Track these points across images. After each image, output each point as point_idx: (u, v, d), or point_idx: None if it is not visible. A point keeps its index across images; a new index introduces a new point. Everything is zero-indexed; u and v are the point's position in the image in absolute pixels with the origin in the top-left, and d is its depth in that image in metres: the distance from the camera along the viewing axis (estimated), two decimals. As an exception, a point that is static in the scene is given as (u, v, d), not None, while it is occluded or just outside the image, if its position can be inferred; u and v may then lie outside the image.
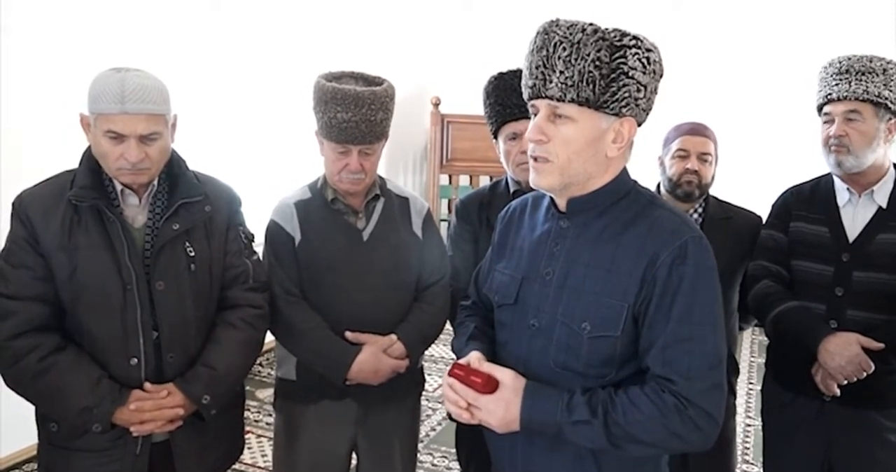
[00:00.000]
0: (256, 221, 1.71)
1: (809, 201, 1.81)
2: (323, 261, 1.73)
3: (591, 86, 1.08)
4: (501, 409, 1.13)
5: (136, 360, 1.45)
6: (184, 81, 1.61)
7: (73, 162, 1.52)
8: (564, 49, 1.09)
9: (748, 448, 3.22)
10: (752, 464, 3.08)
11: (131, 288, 1.43)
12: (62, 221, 1.41)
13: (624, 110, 1.11)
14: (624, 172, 1.20)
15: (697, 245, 1.12)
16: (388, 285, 1.76)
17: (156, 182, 1.50)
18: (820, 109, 1.77)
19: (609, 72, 1.08)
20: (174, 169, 1.53)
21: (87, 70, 1.47)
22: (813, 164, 2.02)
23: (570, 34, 1.09)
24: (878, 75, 1.65)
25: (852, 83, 1.67)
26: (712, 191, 2.00)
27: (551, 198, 1.25)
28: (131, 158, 1.38)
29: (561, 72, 1.09)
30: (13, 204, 1.45)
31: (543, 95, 1.12)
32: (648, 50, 1.11)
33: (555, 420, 1.10)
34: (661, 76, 1.15)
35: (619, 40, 1.09)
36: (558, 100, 1.10)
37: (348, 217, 1.77)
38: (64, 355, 1.40)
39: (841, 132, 1.68)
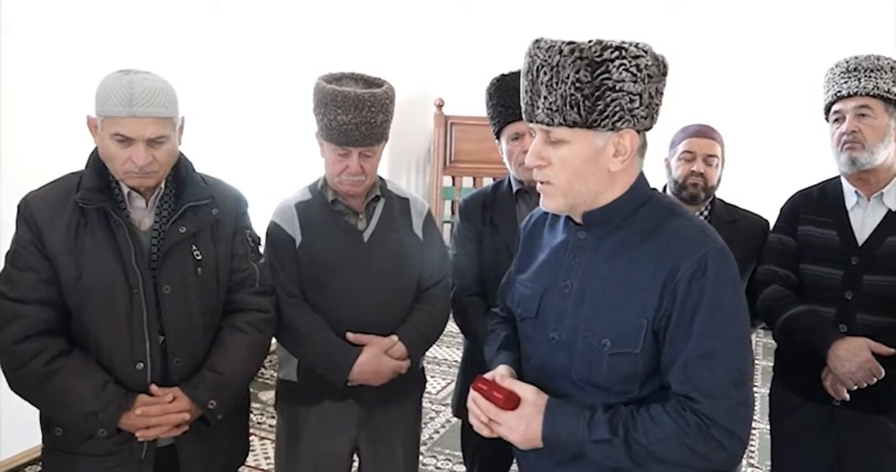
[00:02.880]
0: (257, 223, 1.70)
1: (818, 205, 1.80)
2: (324, 262, 1.73)
3: (575, 109, 1.06)
4: (523, 426, 1.12)
5: (141, 364, 1.44)
6: (184, 81, 1.61)
7: (73, 163, 1.51)
8: (545, 73, 1.07)
9: (753, 451, 3.21)
10: (756, 467, 3.07)
11: (138, 292, 1.42)
12: (68, 223, 1.40)
13: (619, 124, 1.07)
14: (639, 181, 1.17)
15: (718, 257, 1.08)
16: (388, 286, 1.76)
17: (163, 185, 1.49)
18: (828, 109, 1.77)
19: (593, 91, 1.05)
20: (181, 172, 1.52)
21: (87, 70, 1.47)
22: (820, 166, 2.02)
23: (549, 57, 1.06)
24: (886, 72, 1.66)
25: (861, 80, 1.67)
26: (719, 193, 1.99)
27: None
28: (139, 161, 1.38)
29: (545, 97, 1.07)
30: (19, 206, 1.44)
31: (534, 120, 1.11)
32: (636, 57, 1.05)
33: (576, 439, 1.09)
34: (663, 75, 1.11)
35: (599, 56, 1.04)
36: (548, 124, 1.09)
37: (349, 218, 1.77)
38: (70, 360, 1.40)
39: (853, 128, 1.67)
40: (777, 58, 4.64)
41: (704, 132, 1.94)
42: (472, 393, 1.18)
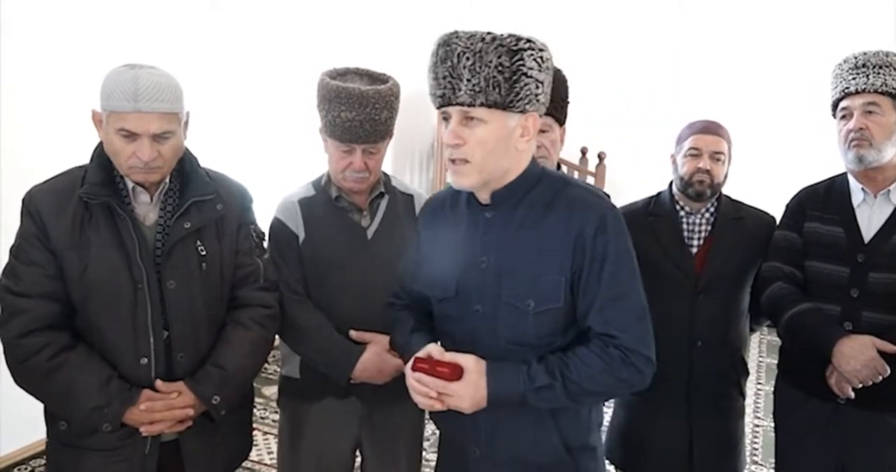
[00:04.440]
0: (261, 218, 1.69)
1: (824, 202, 1.79)
2: (327, 259, 1.72)
3: (497, 89, 1.19)
4: (471, 391, 1.23)
5: (146, 359, 1.44)
6: (188, 76, 1.59)
7: (73, 163, 1.51)
8: (468, 58, 1.18)
9: (756, 449, 3.21)
10: (760, 465, 3.07)
11: (142, 287, 1.42)
12: (73, 218, 1.40)
13: (528, 107, 1.22)
14: (533, 160, 1.32)
15: (614, 216, 1.27)
16: (392, 283, 1.73)
17: (168, 180, 1.48)
18: (835, 106, 1.75)
19: (511, 74, 1.18)
20: (186, 167, 1.52)
21: (87, 70, 1.46)
22: (827, 163, 2.01)
23: (472, 44, 1.19)
24: (894, 69, 1.64)
25: (870, 76, 1.65)
26: (725, 190, 1.98)
27: (471, 193, 1.34)
28: (144, 156, 1.37)
29: (468, 80, 1.19)
30: (23, 200, 1.44)
31: (454, 103, 1.22)
32: (541, 50, 1.22)
33: (519, 391, 1.22)
34: (551, 72, 1.28)
35: (515, 45, 1.19)
36: (469, 105, 1.20)
37: (352, 215, 1.77)
38: (74, 354, 1.40)
39: (861, 125, 1.66)
40: (783, 54, 4.62)
41: (711, 129, 1.92)
42: (414, 374, 1.26)
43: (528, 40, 1.20)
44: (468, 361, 1.24)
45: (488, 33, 1.19)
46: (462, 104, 1.20)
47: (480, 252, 1.31)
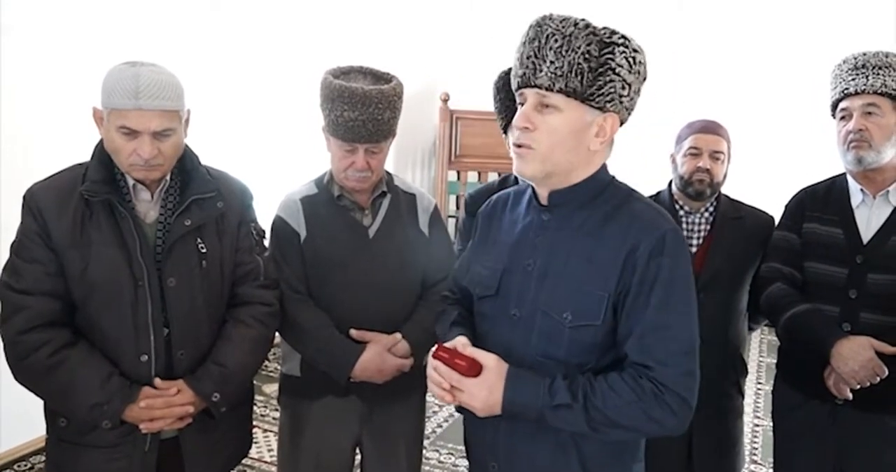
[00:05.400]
0: (262, 216, 1.70)
1: (823, 202, 1.79)
2: (328, 258, 1.72)
3: (579, 77, 1.12)
4: (485, 392, 1.15)
5: (146, 357, 1.44)
6: (190, 74, 1.60)
7: (73, 158, 1.51)
8: (556, 41, 1.12)
9: (756, 449, 3.21)
10: (759, 464, 3.07)
11: (143, 284, 1.42)
12: (74, 215, 1.40)
13: (608, 105, 1.14)
14: (604, 166, 1.24)
15: (674, 237, 1.16)
16: (393, 283, 1.75)
17: (168, 177, 1.49)
18: (835, 106, 1.75)
19: (597, 66, 1.12)
20: (187, 164, 1.52)
21: (87, 70, 1.45)
22: (826, 163, 2.01)
23: (563, 27, 1.13)
24: (894, 70, 1.64)
25: (870, 77, 1.65)
26: (724, 189, 1.98)
27: (533, 191, 1.28)
28: (144, 154, 1.37)
29: (551, 62, 1.12)
30: (24, 197, 1.44)
31: (532, 84, 1.15)
32: (635, 51, 1.15)
33: (537, 404, 1.13)
34: (644, 79, 1.20)
35: (609, 38, 1.13)
36: (547, 89, 1.13)
37: (354, 214, 1.77)
38: (75, 351, 1.40)
39: (860, 126, 1.65)
40: (783, 54, 4.61)
41: (710, 128, 1.92)
42: (433, 362, 1.21)
43: (623, 37, 1.14)
44: (489, 359, 1.17)
45: (582, 20, 1.13)
46: (540, 87, 1.13)
47: (529, 254, 1.24)
